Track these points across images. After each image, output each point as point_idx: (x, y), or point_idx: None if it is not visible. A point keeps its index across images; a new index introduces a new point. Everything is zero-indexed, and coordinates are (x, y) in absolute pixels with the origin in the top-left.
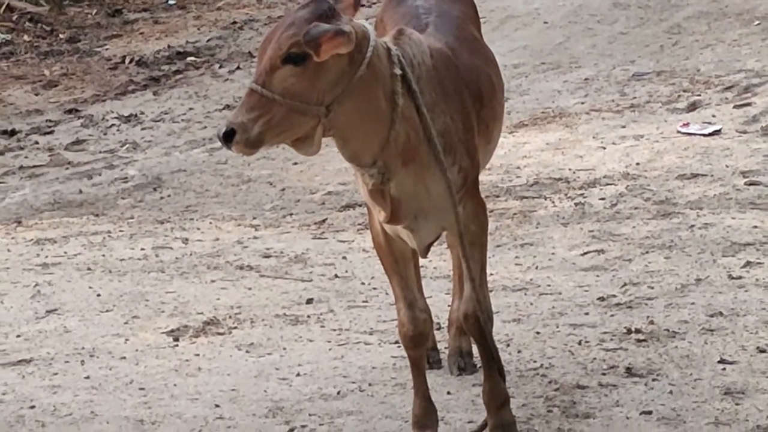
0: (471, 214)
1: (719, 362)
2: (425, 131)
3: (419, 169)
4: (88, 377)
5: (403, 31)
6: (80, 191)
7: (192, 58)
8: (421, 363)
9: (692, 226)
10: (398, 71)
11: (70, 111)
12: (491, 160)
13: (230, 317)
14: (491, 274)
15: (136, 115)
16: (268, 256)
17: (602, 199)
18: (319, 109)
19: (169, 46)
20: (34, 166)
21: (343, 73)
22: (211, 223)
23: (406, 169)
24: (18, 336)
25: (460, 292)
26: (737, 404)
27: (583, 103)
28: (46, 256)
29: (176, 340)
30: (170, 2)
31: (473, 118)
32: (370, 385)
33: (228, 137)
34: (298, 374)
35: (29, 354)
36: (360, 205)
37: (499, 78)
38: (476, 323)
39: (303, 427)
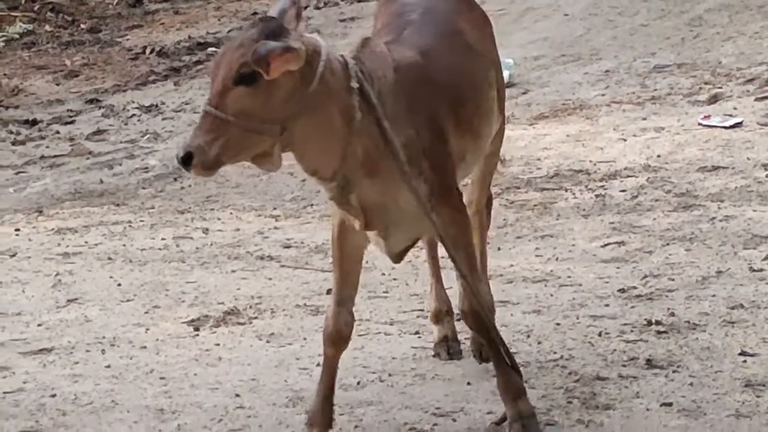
0: (447, 220)
1: (740, 354)
2: (388, 144)
3: (384, 181)
4: (108, 366)
5: (366, 43)
6: (101, 181)
7: (212, 49)
8: (332, 363)
9: (713, 218)
10: (355, 84)
11: (91, 101)
12: (513, 152)
13: (251, 307)
14: (511, 266)
15: (156, 106)
16: (288, 247)
17: (623, 191)
18: (274, 128)
19: (189, 37)
20: (56, 156)
21: (295, 90)
22: (231, 213)
23: (369, 180)
24: (39, 325)
25: (483, 272)
26: (758, 396)
27: (603, 95)
28: (67, 246)
29: (197, 329)
30: None
31: (447, 124)
32: (390, 375)
33: (186, 161)
34: (318, 364)
35: (50, 343)
36: None
37: (489, 71)
38: (476, 319)
39: None
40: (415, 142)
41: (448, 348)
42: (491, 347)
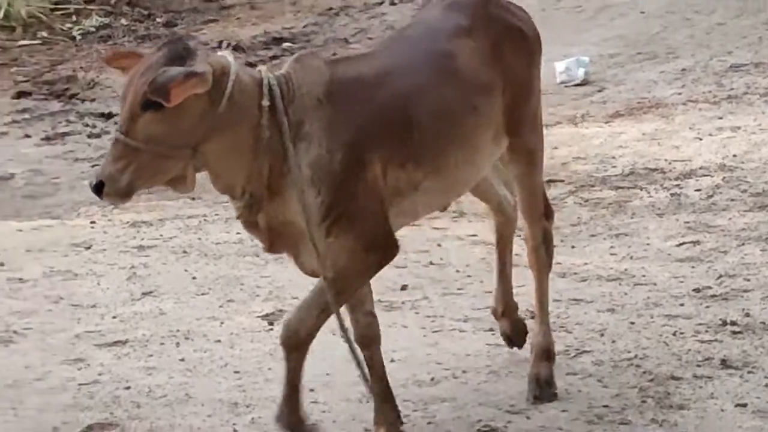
0: (342, 246)
1: None
2: (288, 161)
3: (290, 200)
4: (183, 359)
5: (299, 58)
6: None
7: (288, 44)
8: (371, 361)
9: None
10: (266, 102)
11: None
12: (588, 150)
13: None
14: (585, 264)
15: None
16: None
17: (698, 190)
18: (185, 152)
19: (265, 32)
20: None
21: (204, 112)
22: None
23: (276, 199)
24: (114, 317)
25: (539, 313)
26: None
27: (679, 93)
28: (142, 239)
29: (271, 324)
30: None
31: (372, 151)
32: (464, 372)
33: (98, 189)
34: (392, 360)
35: (125, 335)
36: None
37: (478, 97)
38: (290, 340)
39: None
40: (324, 162)
41: (509, 343)
42: (287, 374)
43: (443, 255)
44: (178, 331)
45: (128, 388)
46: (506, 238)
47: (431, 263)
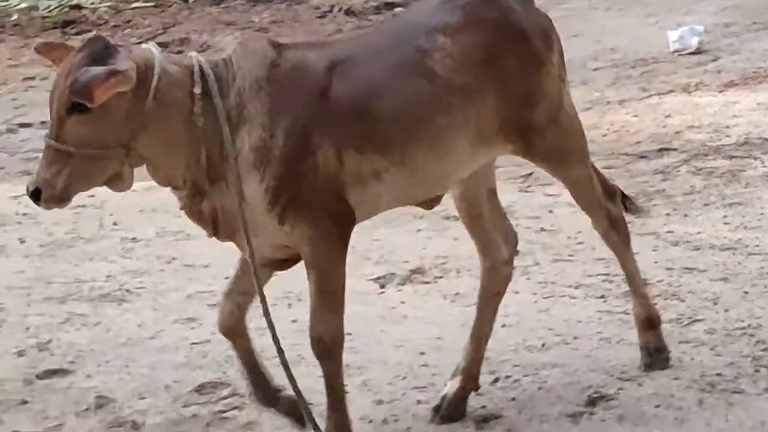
0: (301, 236)
1: None
2: (225, 146)
3: (228, 186)
4: (295, 321)
5: (243, 41)
6: None
7: (400, 9)
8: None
9: None
10: (198, 90)
11: None
12: (702, 119)
13: (436, 267)
14: (699, 233)
15: None
16: None
17: None
18: (117, 151)
19: None
20: None
21: (130, 109)
22: None
23: (217, 186)
24: (226, 278)
25: (632, 285)
26: None
27: None
28: None
29: (382, 287)
30: None
31: (320, 136)
32: (575, 338)
33: (35, 196)
34: (504, 325)
35: None
36: None
37: (452, 99)
38: (315, 346)
39: (507, 377)
40: (267, 145)
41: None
42: (326, 382)
43: (554, 221)
44: (290, 292)
45: None
46: (488, 292)
47: (542, 229)
